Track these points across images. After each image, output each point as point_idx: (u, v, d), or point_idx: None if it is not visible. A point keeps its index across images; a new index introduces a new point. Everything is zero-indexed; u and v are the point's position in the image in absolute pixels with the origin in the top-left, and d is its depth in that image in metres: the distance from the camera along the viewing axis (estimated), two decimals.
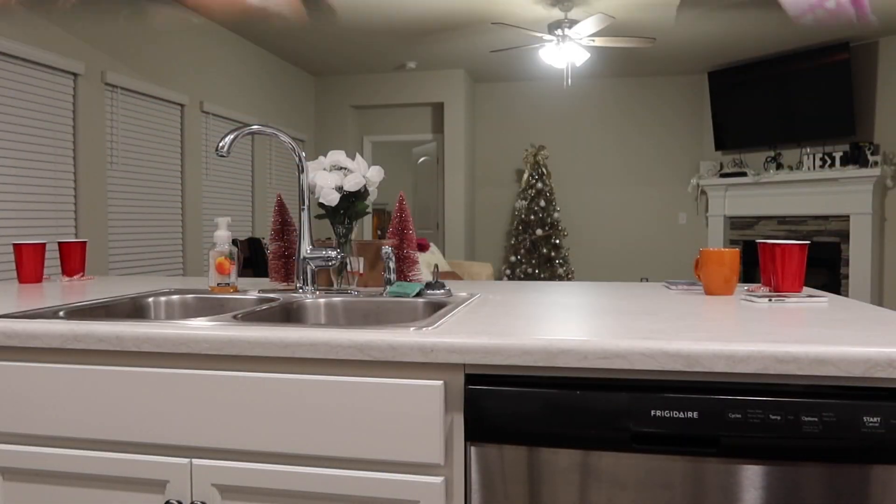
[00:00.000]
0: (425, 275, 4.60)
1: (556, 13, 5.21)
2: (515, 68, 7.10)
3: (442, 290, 1.50)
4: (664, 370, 0.94)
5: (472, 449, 1.00)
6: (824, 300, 1.37)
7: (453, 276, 4.94)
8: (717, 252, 1.48)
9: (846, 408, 0.89)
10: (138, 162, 4.60)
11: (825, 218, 6.29)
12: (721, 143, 6.97)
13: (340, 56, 6.59)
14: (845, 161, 6.03)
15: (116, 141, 4.38)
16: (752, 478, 0.92)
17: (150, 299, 1.55)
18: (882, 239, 6.02)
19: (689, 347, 0.93)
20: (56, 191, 3.91)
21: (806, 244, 1.45)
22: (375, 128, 7.68)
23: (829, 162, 6.14)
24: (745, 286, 1.65)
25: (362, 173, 1.68)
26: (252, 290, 1.62)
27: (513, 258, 7.28)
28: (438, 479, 1.01)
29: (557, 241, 7.20)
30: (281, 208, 1.73)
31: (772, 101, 6.50)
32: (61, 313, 1.25)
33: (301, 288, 1.56)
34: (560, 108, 7.63)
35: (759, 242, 1.50)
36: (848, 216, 6.10)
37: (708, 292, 1.52)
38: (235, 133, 1.48)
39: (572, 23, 4.97)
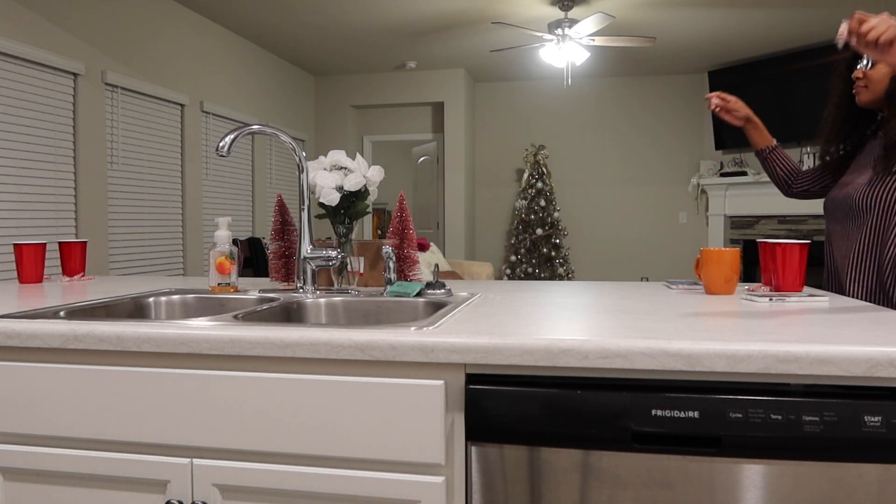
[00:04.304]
0: (426, 274, 4.59)
1: (556, 12, 5.21)
2: (515, 68, 7.10)
3: (442, 290, 1.50)
4: (665, 370, 0.94)
5: (473, 449, 1.00)
6: (825, 299, 1.37)
7: (453, 275, 4.95)
8: (718, 251, 1.48)
9: (847, 407, 0.89)
10: (138, 162, 4.60)
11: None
12: (721, 143, 6.97)
13: (340, 56, 6.59)
14: None
15: (116, 141, 4.38)
16: (753, 477, 0.92)
17: (151, 299, 1.55)
18: None
19: (689, 347, 0.92)
20: (56, 191, 3.91)
21: (806, 243, 1.45)
22: (375, 127, 7.68)
23: None
24: (746, 286, 1.65)
25: (362, 173, 1.68)
26: (252, 289, 1.62)
27: (513, 258, 7.28)
28: (439, 479, 1.01)
29: (557, 241, 7.20)
30: (281, 208, 1.72)
31: (772, 100, 6.49)
32: (62, 313, 1.25)
33: (301, 288, 1.56)
34: (560, 107, 7.63)
35: (760, 242, 1.50)
36: None
37: (708, 292, 1.52)
38: (236, 133, 1.48)
39: (572, 22, 4.97)
